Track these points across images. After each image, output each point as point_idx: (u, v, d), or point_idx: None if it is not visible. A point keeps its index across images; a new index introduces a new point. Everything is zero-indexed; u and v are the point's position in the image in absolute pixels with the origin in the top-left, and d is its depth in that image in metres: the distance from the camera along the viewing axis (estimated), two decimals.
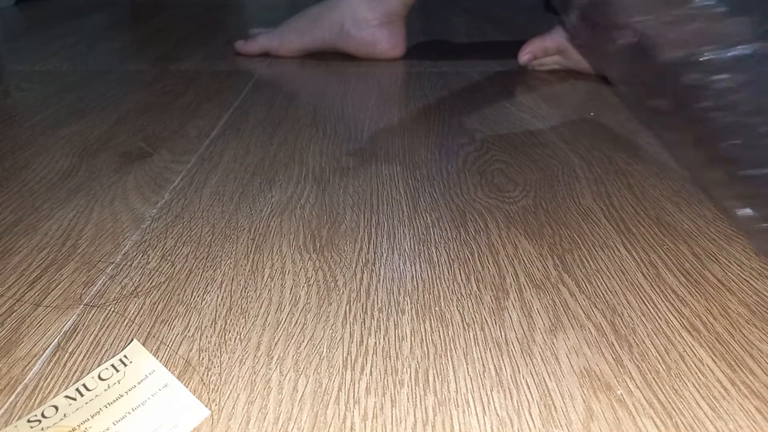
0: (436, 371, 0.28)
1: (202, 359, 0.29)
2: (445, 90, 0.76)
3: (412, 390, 0.27)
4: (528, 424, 0.25)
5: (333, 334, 0.31)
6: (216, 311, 0.33)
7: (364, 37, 0.89)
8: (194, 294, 0.34)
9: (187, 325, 0.32)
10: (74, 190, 0.47)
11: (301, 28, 0.92)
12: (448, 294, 0.34)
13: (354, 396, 0.27)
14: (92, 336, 0.31)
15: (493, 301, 0.34)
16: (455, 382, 0.28)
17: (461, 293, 0.34)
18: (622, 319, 0.32)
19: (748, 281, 0.36)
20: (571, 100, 0.72)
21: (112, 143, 0.57)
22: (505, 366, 0.29)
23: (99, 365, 0.28)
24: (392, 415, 0.26)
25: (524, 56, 0.84)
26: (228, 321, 0.32)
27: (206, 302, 0.34)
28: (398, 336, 0.31)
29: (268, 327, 0.32)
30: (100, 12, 1.38)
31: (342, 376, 0.28)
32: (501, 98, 0.73)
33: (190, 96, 0.73)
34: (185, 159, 0.54)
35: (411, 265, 0.37)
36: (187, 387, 0.27)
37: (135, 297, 0.34)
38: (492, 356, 0.29)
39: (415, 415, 0.26)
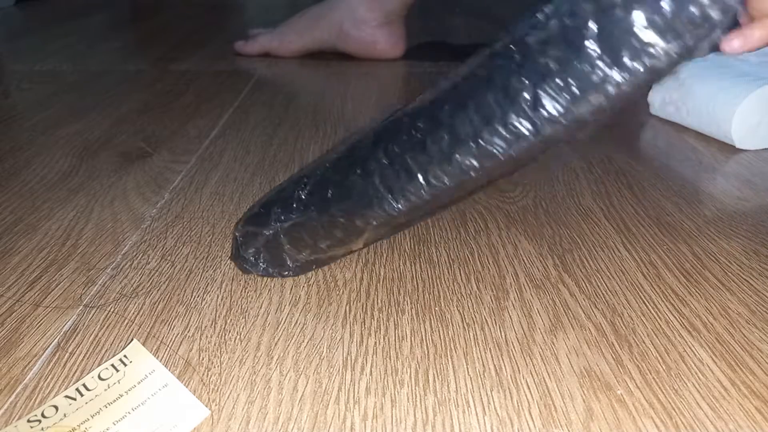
0: (436, 371, 0.28)
1: (202, 359, 0.29)
2: None
3: (412, 390, 0.27)
4: (528, 424, 0.25)
5: (333, 334, 0.31)
6: (216, 311, 0.33)
7: (364, 37, 0.89)
8: (194, 294, 0.34)
9: (187, 325, 0.32)
10: (74, 190, 0.47)
11: (301, 28, 0.92)
12: (448, 294, 0.34)
13: (354, 396, 0.27)
14: (92, 336, 0.31)
15: (493, 301, 0.34)
16: (455, 382, 0.28)
17: (461, 293, 0.34)
18: (622, 319, 0.32)
19: (748, 281, 0.36)
20: None
21: (112, 143, 0.57)
22: (505, 366, 0.29)
23: (99, 365, 0.28)
24: (392, 415, 0.26)
25: None
26: (228, 321, 0.32)
27: (206, 302, 0.34)
28: (398, 336, 0.31)
29: (268, 327, 0.32)
30: (100, 12, 1.38)
31: (342, 376, 0.28)
32: None
33: (190, 96, 0.73)
34: (185, 159, 0.54)
35: (411, 265, 0.37)
36: (187, 387, 0.27)
37: (135, 297, 0.34)
38: (492, 356, 0.29)
39: (415, 415, 0.26)
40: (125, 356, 0.29)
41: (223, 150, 0.56)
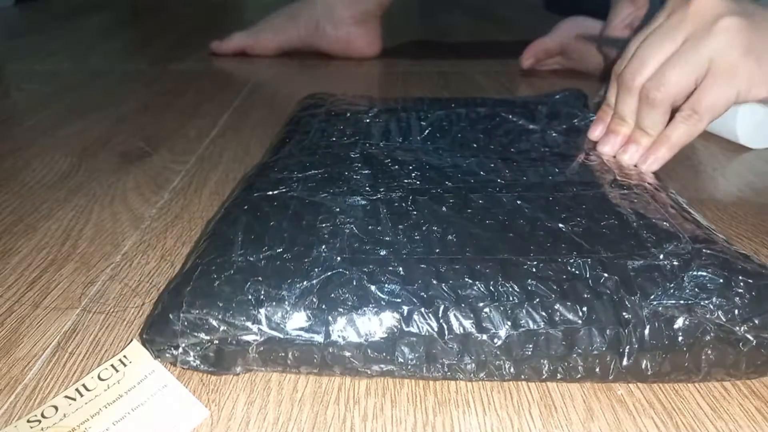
0: None
1: None
2: (445, 90, 0.76)
3: (412, 390, 0.27)
4: (528, 424, 0.25)
5: None
6: None
7: (340, 35, 0.89)
8: None
9: None
10: (74, 190, 0.47)
11: (277, 27, 0.92)
12: None
13: (354, 396, 0.27)
14: (92, 336, 0.31)
15: None
16: (455, 382, 0.28)
17: None
18: None
19: None
20: None
21: (112, 143, 0.57)
22: None
23: (99, 365, 0.28)
24: (392, 415, 0.26)
25: (527, 60, 0.84)
26: None
27: None
28: None
29: None
30: (100, 12, 1.38)
31: (342, 376, 0.28)
32: None
33: (190, 96, 0.73)
34: (185, 159, 0.54)
35: None
36: (186, 387, 0.27)
37: (134, 297, 0.34)
38: None
39: (415, 416, 0.26)
40: (125, 356, 0.29)
41: (222, 150, 0.56)
